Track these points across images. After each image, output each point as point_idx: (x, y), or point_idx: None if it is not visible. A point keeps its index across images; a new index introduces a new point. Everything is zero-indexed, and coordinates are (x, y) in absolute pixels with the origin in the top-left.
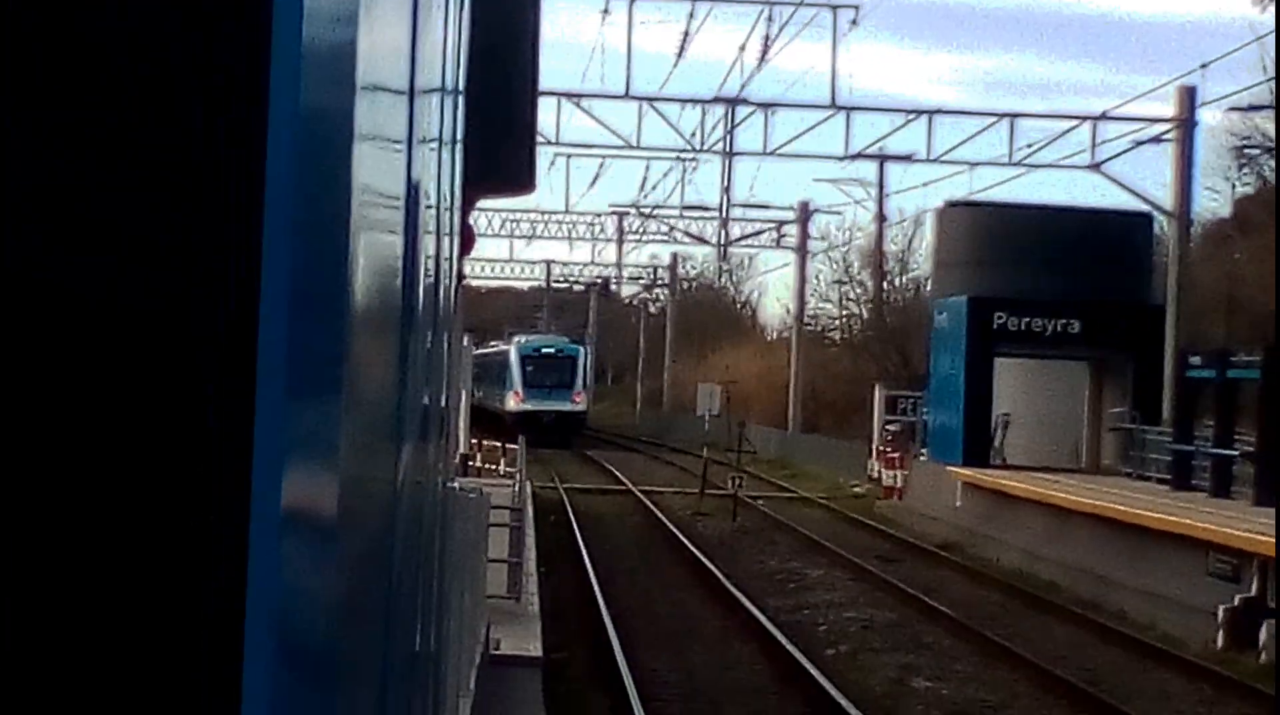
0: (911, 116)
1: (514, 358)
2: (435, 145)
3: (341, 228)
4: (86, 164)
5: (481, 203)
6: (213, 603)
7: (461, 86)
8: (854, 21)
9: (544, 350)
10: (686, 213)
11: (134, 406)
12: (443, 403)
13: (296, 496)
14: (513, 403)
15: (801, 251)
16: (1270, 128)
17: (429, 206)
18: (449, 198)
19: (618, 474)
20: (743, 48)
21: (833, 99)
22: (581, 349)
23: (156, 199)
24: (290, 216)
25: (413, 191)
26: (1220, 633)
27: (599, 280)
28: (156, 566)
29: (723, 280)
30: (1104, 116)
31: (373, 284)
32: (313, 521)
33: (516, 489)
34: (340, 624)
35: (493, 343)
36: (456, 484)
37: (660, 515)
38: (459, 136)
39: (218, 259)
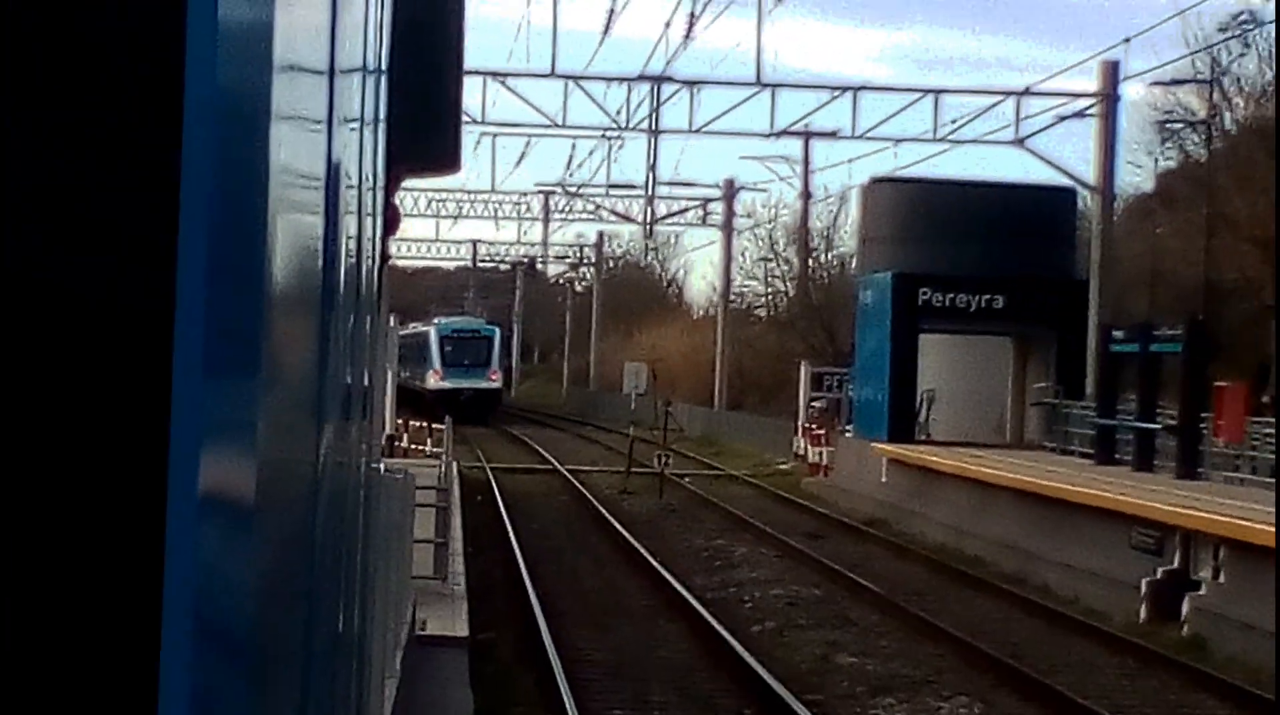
0: (836, 93)
1: (433, 338)
2: (357, 125)
3: (260, 208)
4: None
5: (407, 182)
6: (130, 584)
7: (385, 66)
8: None
9: (461, 331)
10: (612, 191)
11: (47, 385)
12: (366, 383)
13: (214, 477)
14: (433, 381)
15: (727, 229)
16: (1192, 101)
17: (350, 187)
18: (372, 178)
19: (544, 453)
20: (668, 25)
21: (758, 76)
22: (497, 330)
23: (71, 177)
24: (207, 197)
25: (333, 172)
26: (1143, 606)
27: (525, 259)
28: (71, 548)
29: (649, 259)
30: (1028, 92)
31: (292, 264)
32: (231, 502)
33: (443, 469)
34: (260, 605)
35: (413, 324)
36: (381, 465)
37: (587, 494)
38: (382, 116)
39: (133, 239)
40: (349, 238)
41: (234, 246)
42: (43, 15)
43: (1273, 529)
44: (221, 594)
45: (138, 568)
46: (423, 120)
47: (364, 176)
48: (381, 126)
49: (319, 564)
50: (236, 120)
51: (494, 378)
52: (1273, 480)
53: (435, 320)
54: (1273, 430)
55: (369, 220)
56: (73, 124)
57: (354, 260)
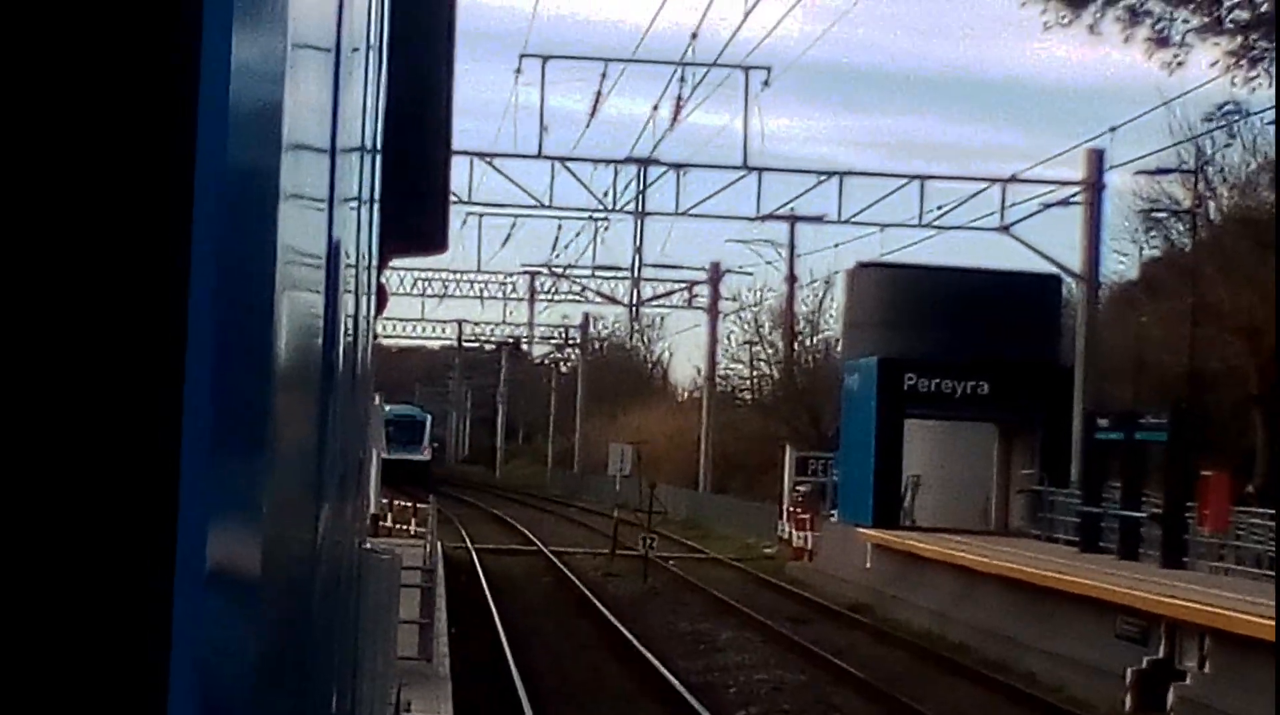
0: (822, 178)
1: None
2: (355, 204)
3: (267, 287)
4: (13, 221)
5: (394, 261)
6: (137, 662)
7: (379, 146)
8: (766, 83)
9: (401, 416)
10: (598, 272)
11: (59, 463)
12: (358, 462)
13: (221, 555)
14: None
15: (713, 312)
16: (1177, 190)
17: (349, 265)
18: (367, 257)
19: (528, 534)
20: (655, 108)
21: (744, 160)
22: (429, 416)
23: (84, 257)
24: (216, 276)
25: (334, 250)
26: (1128, 695)
27: (510, 340)
28: (80, 624)
29: (634, 340)
30: (1013, 179)
31: (296, 343)
32: (237, 581)
33: (428, 550)
34: (262, 685)
35: None
36: (369, 544)
37: (571, 575)
38: (376, 196)
39: (144, 318)
40: (347, 316)
41: (242, 325)
42: (56, 92)
43: (1258, 619)
44: (226, 672)
45: (143, 648)
46: (411, 200)
47: (360, 255)
48: (376, 206)
49: (316, 643)
50: (246, 200)
51: (425, 452)
52: (1258, 570)
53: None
54: (1258, 521)
55: (364, 299)
56: (83, 202)
57: (351, 339)
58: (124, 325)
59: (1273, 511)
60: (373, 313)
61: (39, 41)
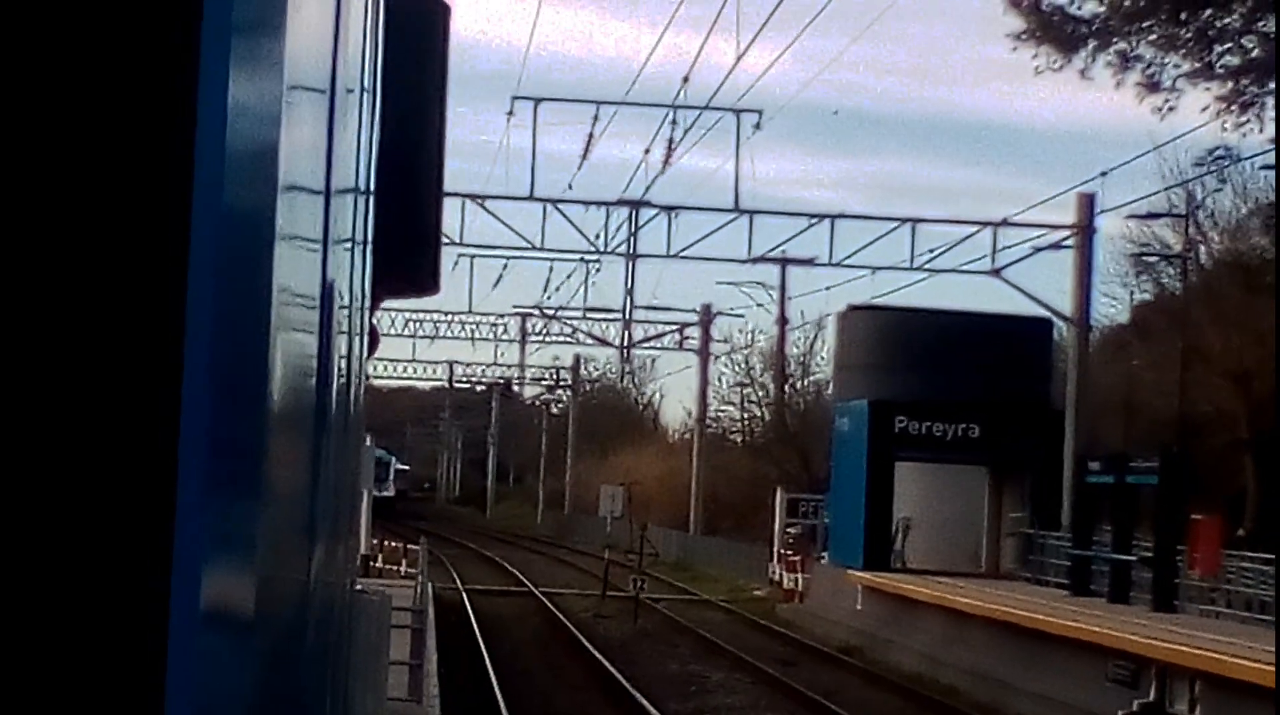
0: (814, 220)
1: None
2: (349, 245)
3: (262, 328)
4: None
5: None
6: (132, 702)
7: (372, 187)
8: (757, 126)
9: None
10: (589, 314)
11: (55, 503)
12: (351, 503)
13: (215, 596)
14: None
15: (704, 354)
16: (1168, 235)
17: (343, 307)
18: (360, 298)
19: (519, 575)
20: (647, 151)
21: (736, 202)
22: (393, 457)
23: (80, 298)
24: (212, 316)
25: (328, 292)
26: None
27: (501, 381)
28: (75, 664)
29: (625, 382)
30: (1004, 223)
31: (291, 384)
32: (231, 621)
33: (418, 591)
34: None
35: None
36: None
37: (561, 617)
38: (369, 237)
39: (141, 359)
40: (341, 358)
41: (238, 367)
42: (55, 133)
43: (1249, 663)
44: (220, 713)
45: (139, 689)
46: (403, 241)
47: (353, 297)
48: (369, 247)
49: (308, 684)
50: (242, 241)
51: (390, 489)
52: (1249, 614)
53: None
54: (1249, 564)
55: (356, 340)
56: (80, 243)
57: (344, 380)
58: (121, 366)
59: (1264, 555)
60: (365, 354)
61: (39, 84)
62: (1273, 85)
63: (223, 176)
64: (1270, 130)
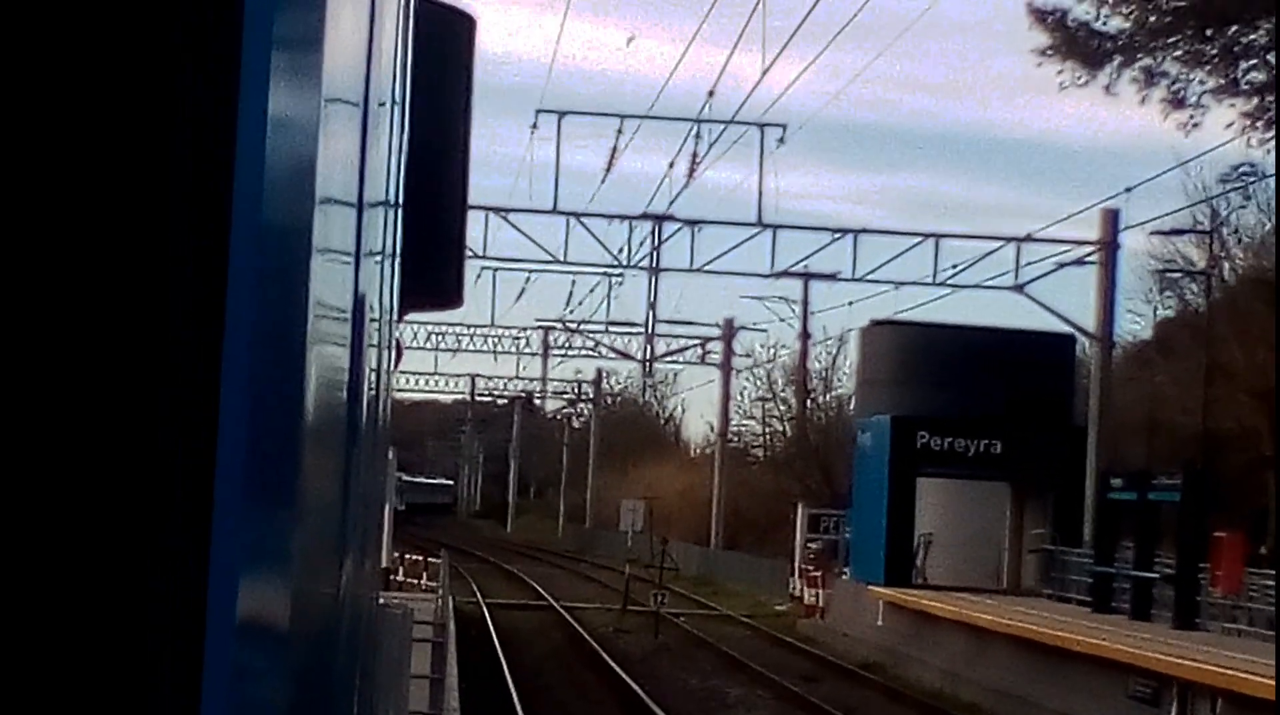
0: (837, 235)
1: None
2: (379, 258)
3: (299, 341)
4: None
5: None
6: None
7: (400, 200)
8: (781, 140)
9: None
10: (612, 328)
11: (93, 517)
12: (376, 516)
13: (251, 608)
14: None
15: (726, 368)
16: (1192, 251)
17: (373, 319)
18: (388, 311)
19: (540, 589)
20: (671, 164)
21: (759, 217)
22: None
23: (120, 313)
24: (251, 329)
25: (359, 304)
26: None
27: (523, 394)
28: (113, 675)
29: (647, 396)
30: (1028, 238)
31: (325, 398)
32: (266, 633)
33: (439, 604)
34: None
35: None
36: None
37: (582, 631)
38: (397, 250)
39: (180, 369)
40: (370, 371)
41: (275, 379)
42: (94, 144)
43: (1271, 682)
44: None
45: (175, 701)
46: (427, 255)
47: (382, 309)
48: (397, 260)
49: (337, 698)
50: (280, 254)
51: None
52: (1270, 632)
53: None
54: (1271, 582)
55: (384, 354)
56: (119, 259)
57: (373, 393)
58: (160, 378)
59: None
60: (392, 367)
61: (82, 100)
62: None
63: (262, 189)
64: None
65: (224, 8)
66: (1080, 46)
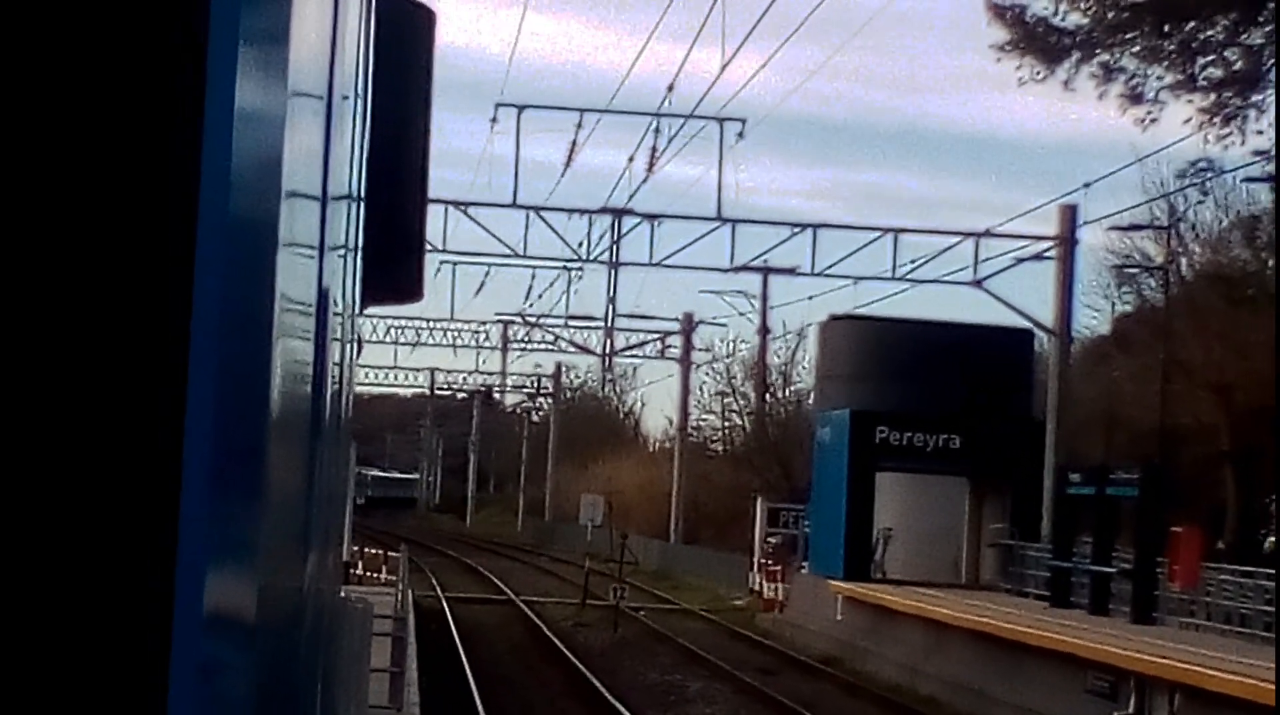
0: (796, 230)
1: None
2: (342, 252)
3: (265, 335)
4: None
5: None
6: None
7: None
8: (740, 135)
9: None
10: (571, 322)
11: (60, 509)
12: (338, 510)
13: (217, 601)
14: None
15: (685, 363)
16: (1149, 246)
17: (336, 313)
18: (350, 305)
19: (499, 583)
20: (631, 159)
21: (718, 211)
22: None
23: (86, 303)
24: (218, 322)
25: (323, 298)
26: None
27: (482, 388)
28: (79, 669)
29: (606, 390)
30: (987, 233)
31: (291, 391)
32: (232, 626)
33: (399, 598)
34: None
35: None
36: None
37: (541, 625)
38: (359, 244)
39: (147, 363)
40: (334, 364)
41: (241, 373)
42: (64, 140)
43: (1229, 676)
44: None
45: (142, 696)
46: (387, 248)
47: (345, 303)
48: (358, 254)
49: (301, 691)
50: (247, 249)
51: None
52: (1228, 626)
53: None
54: (1228, 577)
55: (348, 348)
56: (87, 252)
57: (337, 387)
58: (127, 372)
59: (1244, 568)
60: (354, 361)
61: (48, 93)
62: (1256, 98)
63: (229, 184)
64: (1252, 143)
65: (191, 3)
66: (1039, 42)
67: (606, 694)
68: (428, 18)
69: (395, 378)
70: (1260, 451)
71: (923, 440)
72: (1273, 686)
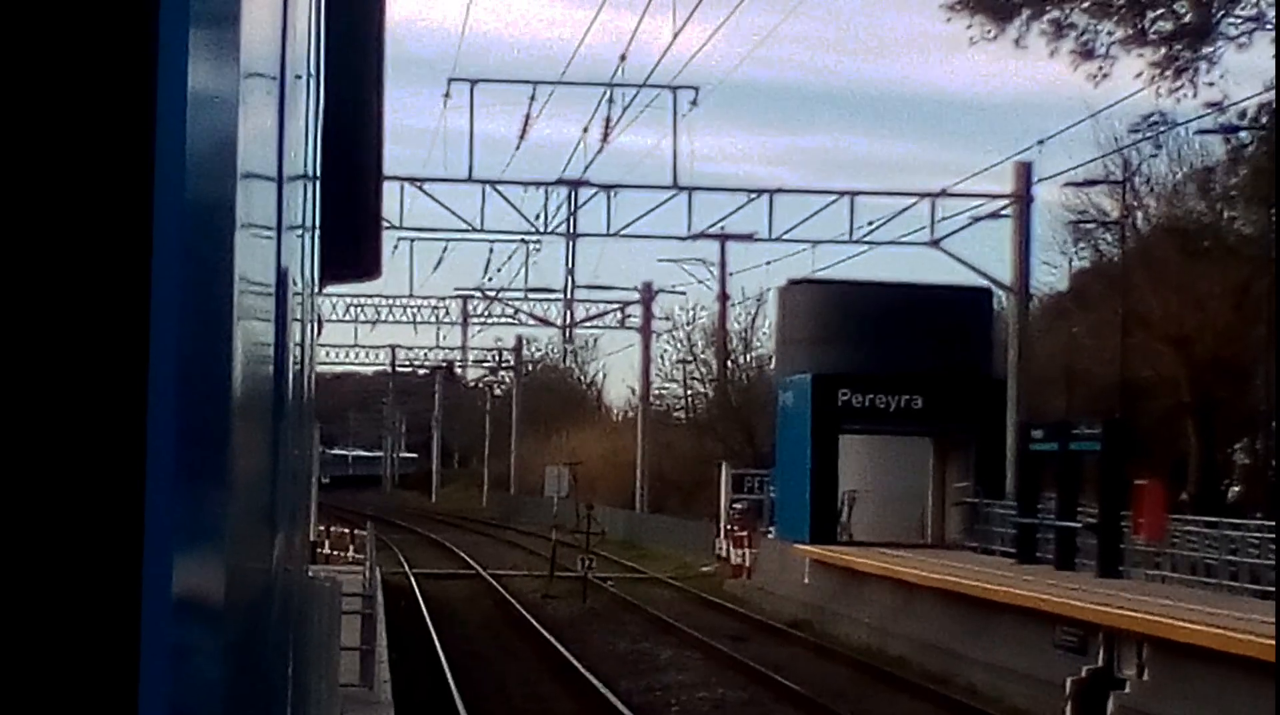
0: (752, 196)
1: None
2: (300, 232)
3: (225, 317)
4: None
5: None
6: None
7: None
8: (694, 103)
9: None
10: (531, 295)
11: (24, 490)
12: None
13: (185, 583)
14: None
15: (645, 332)
16: (1105, 201)
17: (296, 293)
18: (309, 284)
19: (466, 558)
20: (585, 130)
21: (674, 180)
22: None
23: (41, 293)
24: (176, 306)
25: (282, 278)
26: (1068, 705)
27: (444, 364)
28: (48, 650)
29: (568, 362)
30: (943, 193)
31: (252, 373)
32: (200, 608)
33: (367, 576)
34: (225, 713)
35: None
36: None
37: (510, 598)
38: (316, 223)
39: (106, 348)
40: (295, 345)
41: (201, 356)
42: (12, 123)
43: (1196, 627)
44: (191, 700)
45: (111, 679)
46: (344, 227)
47: (304, 283)
48: (316, 233)
49: (272, 670)
50: (203, 230)
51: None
52: (1193, 577)
53: None
54: (1193, 528)
55: (308, 327)
56: (44, 243)
57: (298, 367)
58: (86, 357)
59: (1208, 519)
60: (315, 341)
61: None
62: (1206, 50)
63: (184, 166)
64: (1204, 95)
65: None
66: (988, 1)
67: (578, 665)
68: None
69: (356, 356)
70: (1220, 403)
71: (885, 402)
72: (1244, 636)
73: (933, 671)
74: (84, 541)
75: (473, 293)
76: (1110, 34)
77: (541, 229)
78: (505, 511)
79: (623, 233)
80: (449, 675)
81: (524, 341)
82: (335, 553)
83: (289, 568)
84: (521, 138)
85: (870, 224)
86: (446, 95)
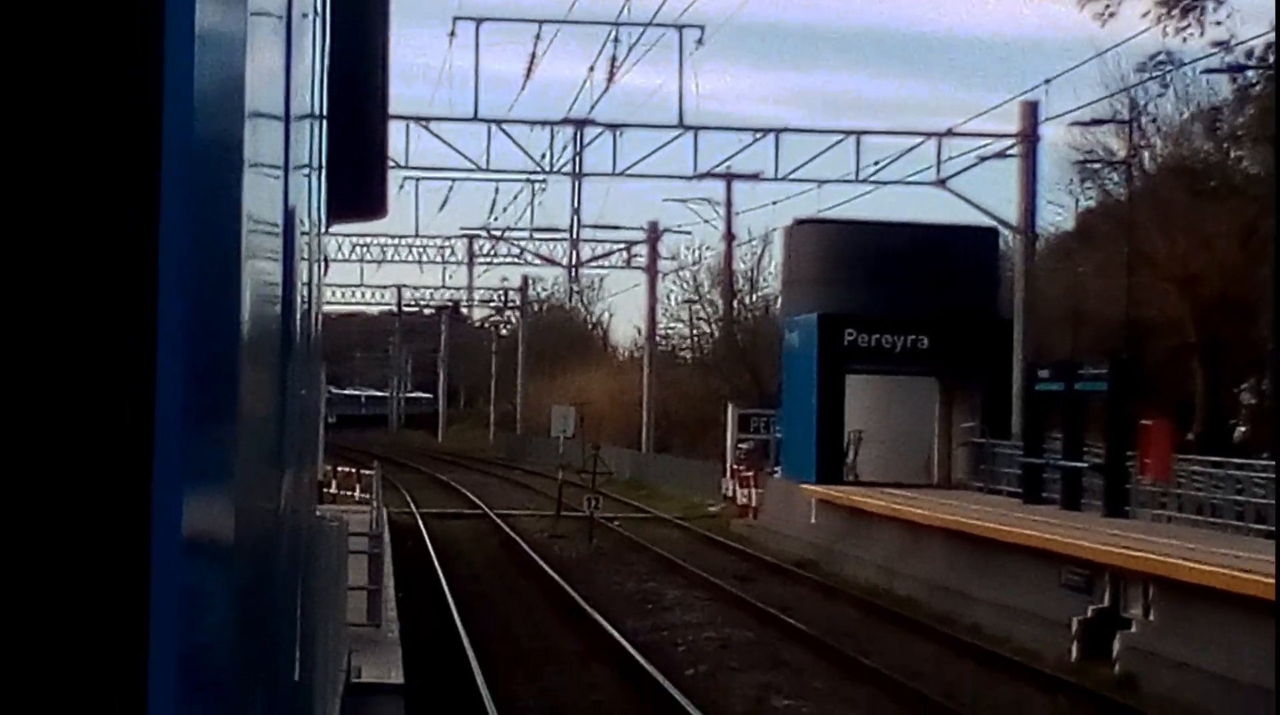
0: (758, 135)
1: None
2: (307, 171)
3: (233, 256)
4: None
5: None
6: (115, 632)
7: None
8: (699, 42)
9: None
10: (537, 235)
11: (40, 434)
12: (313, 429)
13: (195, 522)
14: None
15: (651, 272)
16: (1111, 141)
17: (304, 232)
18: (316, 224)
19: (473, 497)
20: (591, 69)
21: (680, 119)
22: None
23: (53, 230)
24: (185, 244)
25: (290, 217)
26: (1074, 644)
27: (450, 304)
28: (60, 589)
29: (574, 302)
30: (949, 133)
31: (260, 312)
32: (210, 547)
33: (374, 516)
34: (235, 652)
35: None
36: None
37: (517, 538)
38: (322, 162)
39: (116, 288)
40: (303, 284)
41: (211, 294)
42: (21, 68)
43: (1201, 567)
44: (202, 641)
45: (121, 619)
46: (350, 166)
47: (312, 223)
48: (323, 173)
49: (280, 608)
50: (211, 169)
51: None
52: (1199, 517)
53: None
54: (1198, 468)
55: (315, 266)
56: (55, 182)
57: (306, 306)
58: (96, 297)
59: (1214, 458)
60: (322, 280)
61: (8, 19)
62: None
63: (192, 106)
64: (1210, 34)
65: None
66: None
67: (584, 604)
68: None
69: (362, 296)
70: (1226, 342)
71: (891, 342)
72: (1249, 576)
73: (939, 611)
74: (94, 479)
75: (478, 232)
76: None
77: (547, 168)
78: (512, 451)
79: (628, 172)
80: (455, 614)
81: (530, 281)
82: (342, 492)
83: (297, 507)
84: (527, 77)
85: (876, 164)
86: (452, 34)
